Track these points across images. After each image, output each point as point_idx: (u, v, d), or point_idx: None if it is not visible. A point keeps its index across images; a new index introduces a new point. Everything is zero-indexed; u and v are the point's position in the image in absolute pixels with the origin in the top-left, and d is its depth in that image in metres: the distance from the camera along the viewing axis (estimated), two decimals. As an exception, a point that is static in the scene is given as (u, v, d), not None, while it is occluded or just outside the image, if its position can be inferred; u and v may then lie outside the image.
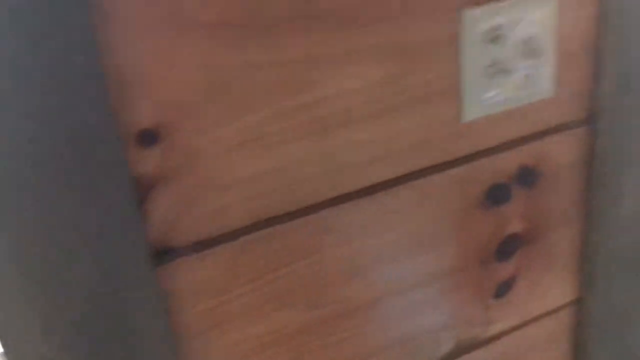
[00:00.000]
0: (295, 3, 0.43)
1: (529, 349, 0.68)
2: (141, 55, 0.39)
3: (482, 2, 0.50)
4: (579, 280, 0.67)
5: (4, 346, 0.40)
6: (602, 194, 0.63)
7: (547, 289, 0.66)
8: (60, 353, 0.42)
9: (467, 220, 0.58)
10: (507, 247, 0.61)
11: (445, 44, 0.50)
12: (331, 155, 0.49)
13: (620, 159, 0.62)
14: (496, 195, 0.58)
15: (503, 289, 0.63)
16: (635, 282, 0.69)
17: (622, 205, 0.64)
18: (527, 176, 0.59)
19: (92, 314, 0.42)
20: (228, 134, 0.44)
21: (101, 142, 0.38)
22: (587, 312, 0.68)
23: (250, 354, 0.51)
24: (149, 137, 0.41)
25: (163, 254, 0.44)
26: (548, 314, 0.67)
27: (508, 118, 0.56)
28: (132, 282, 0.42)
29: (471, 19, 0.50)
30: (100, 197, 0.39)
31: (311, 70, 0.45)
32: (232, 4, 0.41)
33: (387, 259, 0.55)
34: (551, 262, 0.65)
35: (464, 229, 0.58)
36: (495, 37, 0.51)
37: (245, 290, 0.48)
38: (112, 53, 0.38)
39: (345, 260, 0.52)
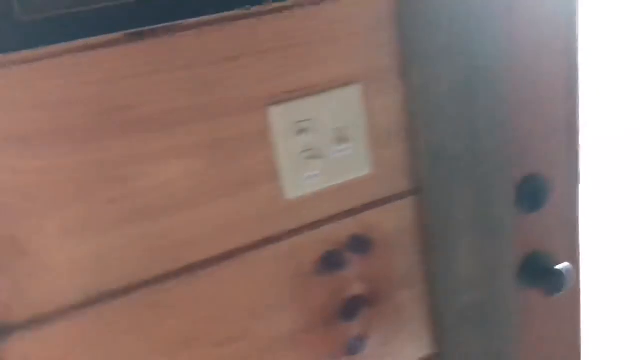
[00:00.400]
0: (106, 112, 0.52)
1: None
2: (-35, 165, 0.48)
3: (287, 99, 0.59)
4: (432, 337, 0.73)
5: None
6: (437, 258, 0.70)
7: (402, 346, 0.72)
8: None
9: (304, 285, 0.64)
10: (351, 308, 0.68)
11: (258, 135, 0.58)
12: (157, 236, 0.56)
13: (449, 226, 0.69)
14: (331, 262, 0.65)
15: (354, 348, 0.69)
16: (484, 338, 0.75)
17: (458, 268, 0.71)
18: (359, 244, 0.66)
19: None
20: (52, 225, 0.51)
21: None
22: (443, 366, 0.74)
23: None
24: (-26, 233, 0.49)
25: (-2, 332, 0.51)
26: (406, 368, 0.73)
27: (332, 194, 0.64)
28: (-34, 358, 0.49)
29: (278, 114, 0.58)
30: None
31: (131, 166, 0.54)
32: (41, 116, 0.49)
33: (224, 329, 0.61)
34: (401, 320, 0.71)
35: (302, 294, 0.65)
36: (303, 128, 0.60)
37: (79, 360, 0.55)
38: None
39: (177, 333, 0.59)
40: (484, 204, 0.70)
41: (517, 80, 0.71)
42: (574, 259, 0.85)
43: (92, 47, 0.50)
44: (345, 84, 0.61)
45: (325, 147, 0.61)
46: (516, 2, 0.67)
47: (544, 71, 0.72)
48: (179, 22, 0.53)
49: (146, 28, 0.52)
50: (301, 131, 0.60)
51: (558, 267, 0.78)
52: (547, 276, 0.78)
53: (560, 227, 0.82)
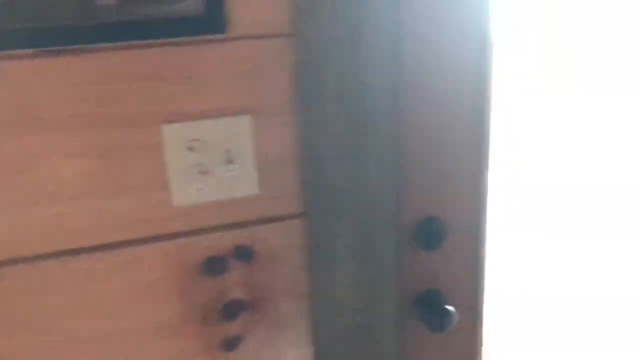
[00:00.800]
0: (19, 112, 0.63)
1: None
2: None
3: (181, 120, 0.68)
4: (312, 350, 0.80)
5: None
6: (317, 279, 0.77)
7: (280, 353, 0.80)
8: None
9: (188, 284, 0.73)
10: (230, 309, 0.76)
11: (152, 147, 0.68)
12: (50, 220, 0.67)
13: (329, 252, 0.76)
14: (214, 266, 0.74)
15: (232, 345, 0.77)
16: (357, 356, 0.81)
17: (336, 291, 0.77)
18: (243, 254, 0.74)
19: None
20: (-40, 198, 0.63)
21: None
22: (317, 378, 0.80)
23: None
24: None
25: None
26: (283, 373, 0.81)
27: (220, 206, 0.72)
28: None
29: (170, 132, 0.67)
30: None
31: (35, 159, 0.64)
32: (-39, 112, 0.61)
33: (106, 308, 0.71)
34: (282, 329, 0.79)
35: (184, 290, 0.73)
36: (194, 146, 0.69)
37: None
38: None
39: (61, 305, 0.69)
40: (366, 238, 0.77)
41: (418, 125, 0.76)
42: (475, 299, 0.89)
43: (11, 58, 0.61)
44: (237, 113, 0.69)
45: (214, 165, 0.70)
46: (415, 48, 0.73)
47: (447, 118, 0.77)
48: (93, 45, 0.63)
49: (61, 47, 0.63)
50: (191, 149, 0.69)
51: (446, 307, 0.83)
52: (434, 314, 0.83)
53: (461, 268, 0.86)
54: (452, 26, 0.73)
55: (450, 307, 0.83)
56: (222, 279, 0.75)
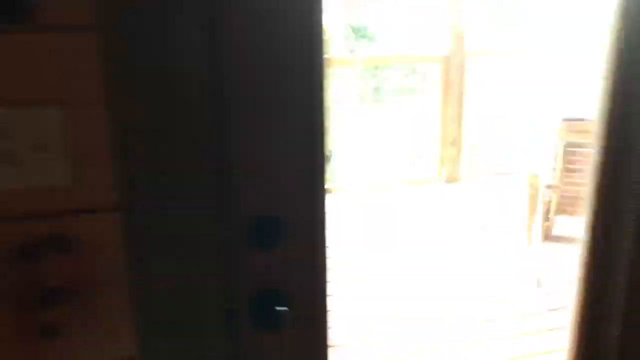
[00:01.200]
0: None
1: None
2: None
3: (-15, 105, 0.67)
4: (132, 341, 0.80)
5: None
6: (137, 273, 0.77)
7: (100, 342, 0.80)
8: None
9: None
10: (47, 298, 0.76)
11: (-44, 132, 0.67)
12: None
13: (147, 246, 0.75)
14: (26, 253, 0.73)
15: (50, 333, 0.77)
16: (184, 356, 0.81)
17: (156, 285, 0.77)
18: (58, 243, 0.74)
19: None
20: None
21: None
22: (140, 371, 0.81)
23: None
24: None
25: None
26: (104, 364, 0.81)
27: (33, 195, 0.71)
28: None
29: (-27, 117, 0.67)
30: None
31: None
32: None
33: None
34: (102, 319, 0.79)
35: (-4, 276, 0.73)
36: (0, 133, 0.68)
37: None
38: None
39: None
40: (187, 235, 0.76)
41: (248, 124, 0.76)
42: (316, 300, 0.89)
43: None
44: (45, 103, 0.68)
45: (22, 153, 0.69)
46: (235, 40, 0.72)
47: (276, 115, 0.77)
48: None
49: None
50: (-3, 134, 0.68)
51: (278, 307, 0.83)
52: (267, 314, 0.83)
53: (302, 268, 0.86)
54: (277, 14, 0.72)
55: (282, 308, 0.84)
56: (37, 268, 0.74)
